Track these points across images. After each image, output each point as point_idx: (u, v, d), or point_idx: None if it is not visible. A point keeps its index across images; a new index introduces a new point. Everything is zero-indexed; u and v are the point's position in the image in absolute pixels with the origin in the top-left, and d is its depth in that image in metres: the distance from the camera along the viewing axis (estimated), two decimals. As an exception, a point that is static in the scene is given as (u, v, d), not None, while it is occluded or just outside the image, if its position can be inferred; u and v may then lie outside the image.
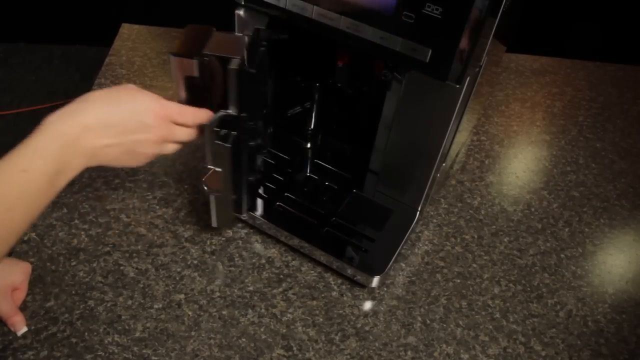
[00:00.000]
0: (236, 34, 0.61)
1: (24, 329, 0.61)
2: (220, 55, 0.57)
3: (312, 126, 0.86)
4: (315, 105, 0.83)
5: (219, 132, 0.58)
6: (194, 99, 0.59)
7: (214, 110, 0.59)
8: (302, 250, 0.72)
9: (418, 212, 0.75)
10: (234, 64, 0.56)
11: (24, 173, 0.42)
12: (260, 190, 0.77)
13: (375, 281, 0.68)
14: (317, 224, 0.73)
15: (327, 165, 0.82)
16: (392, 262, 0.70)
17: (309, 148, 0.86)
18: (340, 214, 0.75)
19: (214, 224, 0.69)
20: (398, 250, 0.71)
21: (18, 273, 0.63)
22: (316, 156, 0.84)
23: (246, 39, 0.59)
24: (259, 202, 0.75)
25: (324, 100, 0.83)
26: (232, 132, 0.59)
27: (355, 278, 0.69)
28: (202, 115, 0.58)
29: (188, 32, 0.59)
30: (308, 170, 0.81)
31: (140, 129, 0.50)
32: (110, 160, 0.50)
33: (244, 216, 0.73)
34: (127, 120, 0.49)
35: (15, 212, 0.42)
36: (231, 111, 0.59)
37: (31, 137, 0.45)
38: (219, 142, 0.59)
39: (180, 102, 0.59)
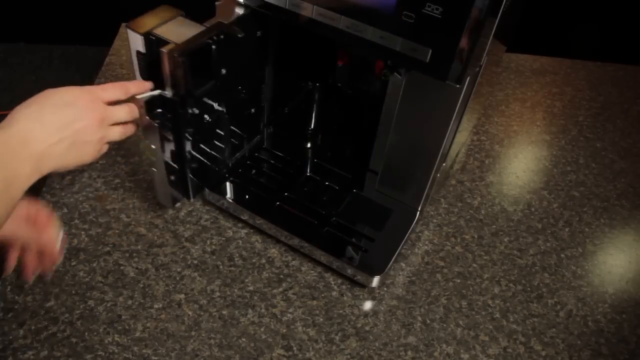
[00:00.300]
0: (201, 24, 0.62)
1: (61, 234, 0.60)
2: (163, 37, 0.57)
3: (312, 126, 0.86)
4: (315, 105, 0.83)
5: (153, 110, 0.59)
6: (145, 75, 0.60)
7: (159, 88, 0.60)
8: (302, 250, 0.72)
9: (418, 212, 0.75)
10: (165, 48, 0.56)
11: None
12: (260, 190, 0.77)
13: (376, 281, 0.68)
14: (317, 224, 0.73)
15: (327, 165, 0.82)
16: (392, 261, 0.69)
17: (309, 148, 0.86)
18: (340, 213, 0.75)
19: (158, 198, 0.71)
20: (398, 250, 0.71)
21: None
22: (316, 156, 0.84)
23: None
24: (259, 199, 0.76)
25: (324, 100, 0.83)
26: (166, 113, 0.60)
27: (355, 278, 0.69)
28: (129, 88, 0.56)
29: (156, 11, 0.60)
30: (308, 170, 0.81)
31: (75, 117, 0.50)
32: (61, 160, 0.50)
33: (193, 200, 0.75)
34: (59, 113, 0.49)
35: None
36: (167, 93, 0.59)
37: None
38: (148, 118, 0.59)
39: (140, 77, 0.60)
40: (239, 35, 0.61)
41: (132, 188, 0.80)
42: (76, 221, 0.74)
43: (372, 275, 0.67)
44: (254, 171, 0.80)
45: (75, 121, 0.50)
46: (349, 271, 0.69)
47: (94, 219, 0.75)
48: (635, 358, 0.67)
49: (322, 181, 0.79)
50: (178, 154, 0.66)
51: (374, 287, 0.70)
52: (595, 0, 1.86)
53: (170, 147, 0.64)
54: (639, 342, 0.68)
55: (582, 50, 1.45)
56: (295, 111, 0.87)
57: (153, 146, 0.62)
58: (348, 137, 0.87)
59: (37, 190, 0.78)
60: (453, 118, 0.63)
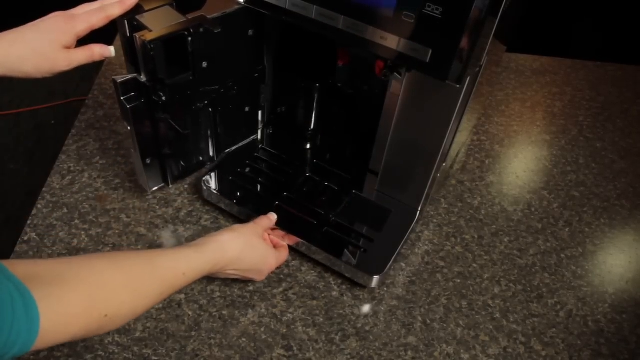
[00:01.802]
0: (184, 16, 0.63)
1: (112, 48, 0.64)
2: (143, 24, 0.60)
3: (312, 126, 0.86)
4: (315, 105, 0.83)
5: (127, 93, 0.62)
6: (128, 57, 0.63)
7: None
8: (301, 251, 0.72)
9: (418, 213, 0.75)
10: (139, 34, 0.58)
11: (183, 276, 0.53)
12: (261, 189, 0.77)
13: (375, 281, 0.68)
14: (317, 224, 0.73)
15: (326, 166, 0.82)
16: (391, 262, 0.69)
17: (308, 148, 0.86)
18: (339, 214, 0.75)
19: (138, 180, 0.74)
20: (398, 250, 0.71)
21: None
22: (316, 156, 0.84)
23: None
24: (259, 200, 0.75)
25: (324, 100, 0.82)
26: (140, 97, 0.63)
27: (354, 278, 0.69)
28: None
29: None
30: (308, 171, 0.81)
31: (256, 272, 0.65)
32: (224, 276, 0.64)
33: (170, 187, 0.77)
34: (253, 265, 0.63)
35: (159, 299, 0.51)
36: (141, 77, 0.62)
37: (201, 249, 0.57)
38: (122, 100, 0.62)
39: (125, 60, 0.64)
40: (216, 31, 0.62)
41: (132, 188, 0.80)
42: (76, 221, 0.74)
43: (372, 275, 0.67)
44: (253, 171, 0.80)
45: (254, 273, 0.65)
46: (349, 271, 0.69)
47: (94, 219, 0.75)
48: (635, 358, 0.67)
49: (322, 182, 0.79)
50: (153, 139, 0.67)
51: (373, 288, 0.70)
52: (596, 0, 1.86)
53: (144, 130, 0.66)
54: (639, 342, 0.68)
55: (582, 50, 1.45)
56: (295, 111, 0.87)
57: (128, 127, 0.64)
58: (348, 137, 0.87)
59: (37, 190, 0.79)
60: (453, 118, 0.63)
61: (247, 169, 0.80)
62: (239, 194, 0.76)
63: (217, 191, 0.76)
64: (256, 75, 0.77)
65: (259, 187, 0.78)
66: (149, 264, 0.50)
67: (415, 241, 0.77)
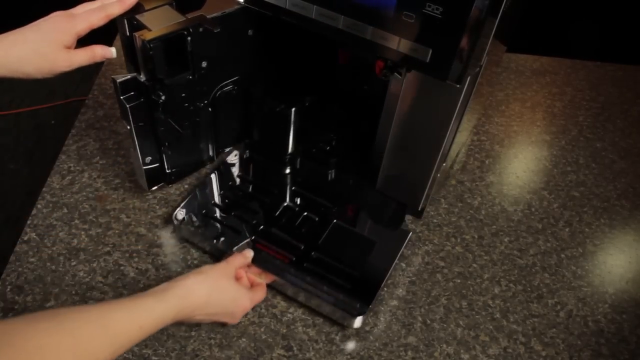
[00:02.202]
0: (183, 15, 0.63)
1: (113, 49, 0.64)
2: (143, 23, 0.60)
3: (290, 150, 0.82)
4: (292, 129, 0.78)
5: (127, 92, 0.62)
6: (128, 57, 0.63)
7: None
8: (278, 289, 0.68)
9: (403, 247, 0.72)
10: (138, 33, 0.59)
11: (140, 329, 0.49)
12: (236, 223, 0.73)
13: (358, 322, 0.64)
14: (296, 260, 0.68)
15: (306, 193, 0.78)
16: (375, 299, 0.66)
17: (287, 174, 0.82)
18: (320, 247, 0.70)
19: (137, 179, 0.74)
20: (382, 285, 0.68)
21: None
22: (295, 183, 0.80)
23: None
24: (234, 234, 0.71)
25: (302, 124, 0.78)
26: (139, 96, 0.63)
27: (337, 320, 0.65)
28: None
29: None
30: (286, 199, 0.77)
31: (228, 315, 0.62)
32: (193, 322, 0.61)
33: (171, 186, 0.76)
34: (223, 308, 0.60)
35: (114, 354, 0.47)
36: (140, 77, 0.62)
37: (159, 298, 0.53)
38: (122, 100, 0.62)
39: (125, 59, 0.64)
40: (215, 31, 0.62)
41: (132, 188, 0.80)
42: (76, 221, 0.74)
43: (354, 316, 0.63)
44: (227, 202, 0.76)
45: (226, 316, 0.61)
46: (330, 312, 0.65)
47: (94, 219, 0.75)
48: (635, 358, 0.67)
49: (301, 211, 0.75)
50: (153, 138, 0.67)
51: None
52: (595, 0, 1.86)
53: (144, 130, 0.65)
54: (639, 342, 0.68)
55: (582, 50, 1.45)
56: (272, 134, 0.82)
57: (128, 127, 0.64)
58: (332, 158, 0.82)
59: (37, 190, 0.79)
60: (453, 118, 0.63)
61: (222, 200, 0.76)
62: (211, 228, 0.72)
63: (188, 226, 0.71)
64: (256, 75, 0.77)
65: (233, 220, 0.73)
66: (99, 322, 0.46)
67: (415, 241, 0.77)
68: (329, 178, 0.82)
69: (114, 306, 0.49)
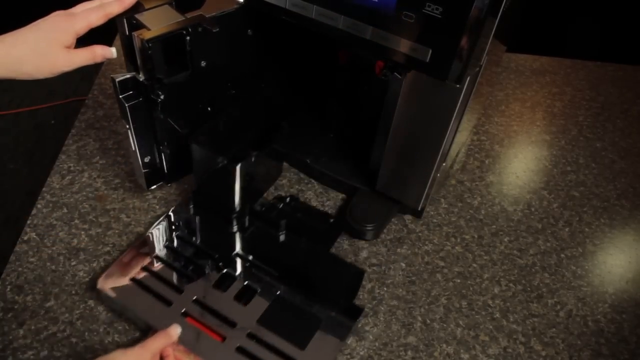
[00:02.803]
0: (182, 15, 0.63)
1: (113, 50, 0.61)
2: (142, 22, 0.60)
3: (236, 208, 0.74)
4: (238, 185, 0.71)
5: (126, 91, 0.62)
6: (127, 56, 0.63)
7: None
8: None
9: (355, 326, 0.64)
10: (137, 32, 0.59)
11: None
12: (166, 292, 0.64)
13: None
14: (228, 340, 0.60)
15: (250, 258, 0.69)
16: None
17: (232, 233, 0.73)
18: (259, 323, 0.62)
19: (136, 178, 0.73)
20: None
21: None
22: (239, 245, 0.71)
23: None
24: (162, 306, 0.62)
25: (250, 179, 0.73)
26: (138, 95, 0.63)
27: None
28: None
29: None
30: (228, 264, 0.68)
31: None
32: None
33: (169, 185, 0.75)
34: None
35: None
36: (139, 76, 0.62)
37: None
38: (121, 99, 0.62)
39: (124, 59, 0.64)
40: (214, 30, 0.62)
41: (132, 188, 0.80)
42: (76, 221, 0.74)
43: None
44: (158, 268, 0.67)
45: None
46: None
47: (94, 219, 0.75)
48: (635, 358, 0.67)
49: (242, 280, 0.66)
50: (152, 138, 0.67)
51: (373, 287, 0.70)
52: (595, 0, 1.86)
53: (143, 129, 0.65)
54: (639, 342, 0.68)
55: (582, 50, 1.45)
56: (217, 189, 0.75)
57: (127, 126, 0.64)
58: (283, 217, 0.74)
59: (37, 190, 0.79)
60: (453, 118, 0.63)
61: (152, 265, 0.67)
62: (138, 300, 0.63)
63: (113, 297, 0.63)
64: (257, 76, 0.77)
65: (163, 289, 0.64)
66: None
67: (415, 241, 0.77)
68: (279, 241, 0.73)
69: None
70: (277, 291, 0.65)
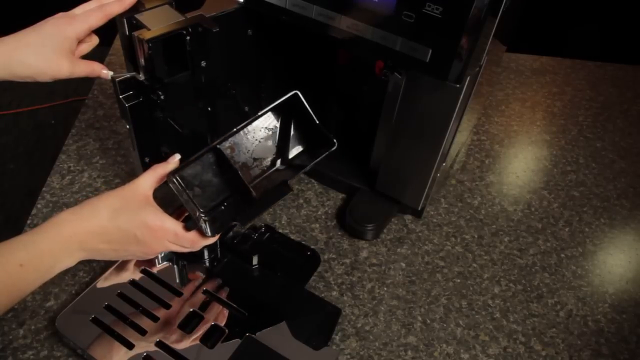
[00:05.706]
0: (182, 15, 0.63)
1: (110, 73, 0.60)
2: (142, 22, 0.60)
3: (217, 255, 0.70)
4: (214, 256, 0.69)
5: (126, 91, 0.62)
6: (127, 57, 0.62)
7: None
8: None
9: None
10: (137, 32, 0.58)
11: (21, 267, 0.44)
12: (128, 332, 0.60)
13: None
14: None
15: (218, 296, 0.64)
16: None
17: (203, 267, 0.68)
18: None
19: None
20: None
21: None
22: (207, 282, 0.66)
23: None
24: (125, 347, 0.58)
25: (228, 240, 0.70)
26: (138, 95, 0.62)
27: None
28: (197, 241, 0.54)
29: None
30: (194, 303, 0.63)
31: (138, 243, 0.51)
32: (104, 257, 0.53)
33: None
34: (127, 234, 0.50)
35: (2, 298, 0.44)
36: (139, 76, 0.61)
37: (35, 231, 0.47)
38: (121, 99, 0.62)
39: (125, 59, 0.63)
40: (214, 30, 0.62)
41: (132, 188, 0.79)
42: (76, 221, 0.74)
43: None
44: (121, 307, 0.62)
45: (135, 244, 0.52)
46: None
47: (94, 219, 0.75)
48: (635, 358, 0.67)
49: (209, 319, 0.62)
50: (152, 138, 0.67)
51: (373, 287, 0.70)
52: (595, 0, 1.86)
53: (143, 129, 0.65)
54: (639, 342, 0.68)
55: (582, 50, 1.45)
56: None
57: (127, 126, 0.64)
58: (255, 251, 0.69)
59: (37, 190, 0.79)
60: (453, 118, 0.63)
61: (115, 303, 0.62)
62: (99, 340, 0.58)
63: (71, 336, 0.58)
64: (257, 77, 0.77)
65: (126, 330, 0.60)
66: None
67: (415, 241, 0.77)
68: (252, 276, 0.68)
69: None
70: (246, 332, 0.60)
